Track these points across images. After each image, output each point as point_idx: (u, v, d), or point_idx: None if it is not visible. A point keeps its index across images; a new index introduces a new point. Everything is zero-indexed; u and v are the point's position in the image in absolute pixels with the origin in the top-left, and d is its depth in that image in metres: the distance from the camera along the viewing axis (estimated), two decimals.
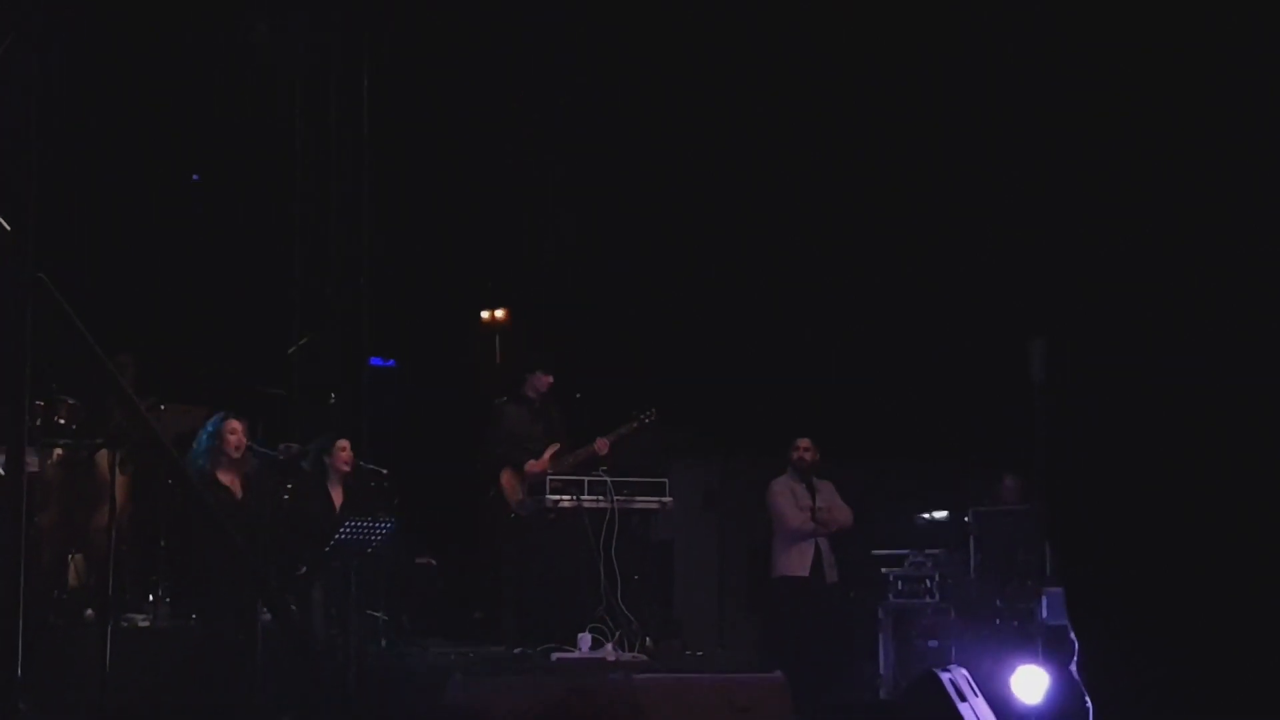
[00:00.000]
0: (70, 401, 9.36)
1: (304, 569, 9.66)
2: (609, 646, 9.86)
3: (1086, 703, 9.60)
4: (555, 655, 9.71)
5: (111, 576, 7.85)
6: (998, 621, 10.79)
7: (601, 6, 12.65)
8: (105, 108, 11.64)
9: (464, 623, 11.98)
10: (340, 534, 9.49)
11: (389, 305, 11.12)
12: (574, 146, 13.88)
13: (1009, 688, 9.68)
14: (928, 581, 11.40)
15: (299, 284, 10.58)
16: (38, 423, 9.11)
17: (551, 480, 10.46)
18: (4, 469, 5.14)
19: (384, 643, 10.19)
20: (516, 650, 10.05)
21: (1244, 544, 9.99)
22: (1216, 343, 10.11)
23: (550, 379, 10.94)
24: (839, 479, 11.64)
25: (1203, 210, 10.31)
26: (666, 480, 10.81)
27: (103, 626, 7.80)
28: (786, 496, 11.46)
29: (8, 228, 4.59)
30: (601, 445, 10.73)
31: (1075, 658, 9.79)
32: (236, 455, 9.74)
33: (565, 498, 10.40)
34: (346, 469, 10.19)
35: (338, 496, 10.15)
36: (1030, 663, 9.82)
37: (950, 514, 11.78)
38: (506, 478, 10.74)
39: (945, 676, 8.87)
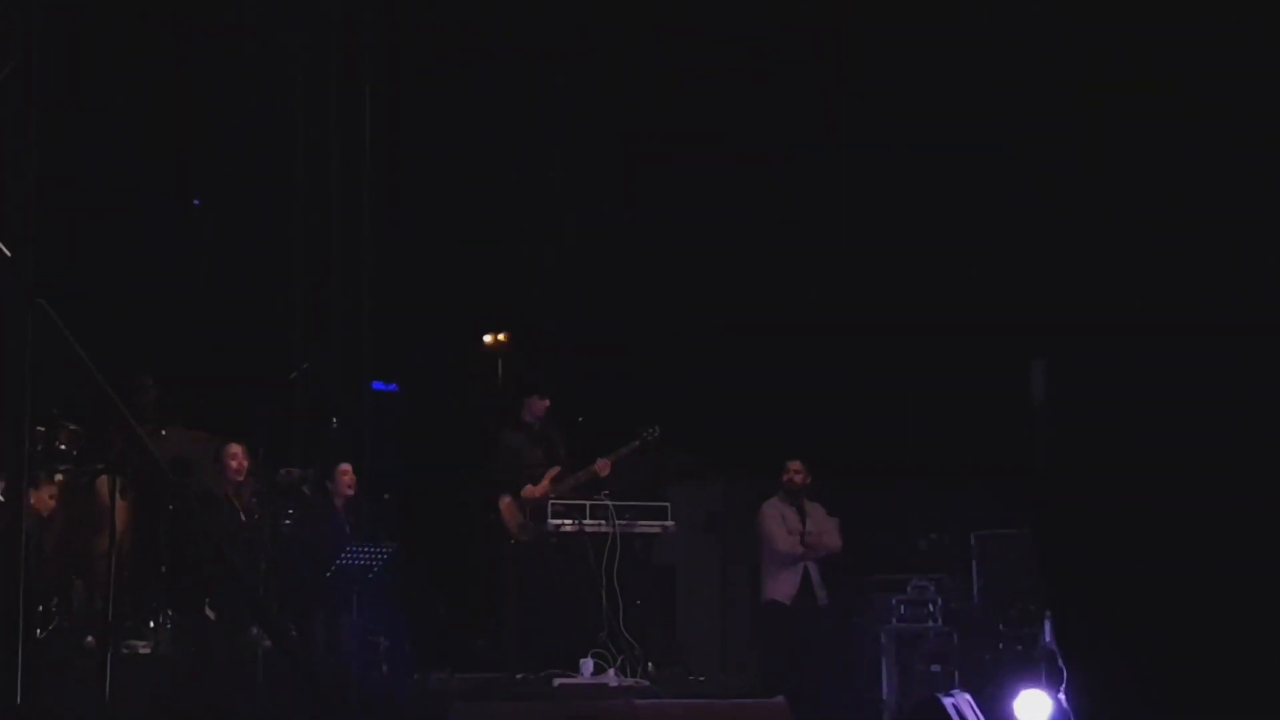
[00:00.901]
0: (71, 427, 9.36)
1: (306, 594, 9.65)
2: (611, 672, 9.84)
3: None
4: (557, 681, 9.69)
5: (111, 603, 7.83)
6: (1001, 646, 10.76)
7: (607, 36, 12.68)
8: (102, 130, 11.63)
9: (466, 648, 11.94)
10: (341, 559, 9.48)
11: (391, 329, 11.11)
12: (577, 168, 13.89)
13: (1012, 712, 9.64)
14: (930, 605, 11.38)
15: (300, 308, 10.58)
16: (39, 448, 9.11)
17: (553, 505, 10.44)
18: (4, 495, 5.11)
19: (385, 669, 10.16)
20: (518, 676, 10.02)
21: (1243, 569, 9.94)
22: (1217, 366, 10.08)
23: (546, 402, 10.88)
24: (840, 503, 11.60)
25: (1206, 231, 10.30)
26: (668, 504, 10.80)
27: (103, 653, 7.76)
28: (776, 520, 11.44)
29: (8, 253, 4.58)
30: (602, 466, 10.69)
31: (1064, 684, 9.75)
32: (238, 480, 9.73)
33: (567, 522, 10.38)
34: (350, 493, 10.18)
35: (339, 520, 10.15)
36: (1033, 687, 9.78)
37: (953, 537, 11.75)
38: (505, 504, 10.69)
39: (948, 701, 8.85)
